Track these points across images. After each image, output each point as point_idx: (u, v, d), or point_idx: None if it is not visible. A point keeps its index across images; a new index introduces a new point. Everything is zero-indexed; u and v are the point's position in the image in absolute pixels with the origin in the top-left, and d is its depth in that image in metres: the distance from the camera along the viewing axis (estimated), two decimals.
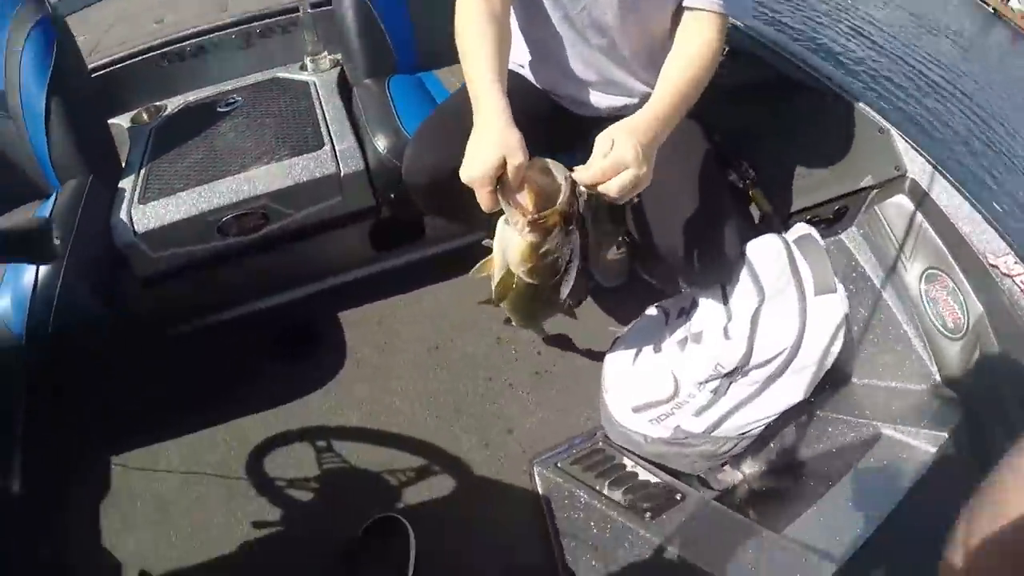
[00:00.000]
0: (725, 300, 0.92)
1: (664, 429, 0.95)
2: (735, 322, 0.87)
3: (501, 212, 0.68)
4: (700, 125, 0.97)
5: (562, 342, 1.29)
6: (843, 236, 1.19)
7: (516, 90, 0.77)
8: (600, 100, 1.00)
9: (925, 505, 0.82)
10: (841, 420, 1.03)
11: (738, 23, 1.33)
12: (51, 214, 1.10)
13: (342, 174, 1.21)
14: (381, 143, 1.18)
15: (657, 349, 1.01)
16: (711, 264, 0.90)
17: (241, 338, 1.35)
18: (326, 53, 1.51)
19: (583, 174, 0.66)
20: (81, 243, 1.09)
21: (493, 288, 0.78)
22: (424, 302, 1.42)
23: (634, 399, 0.98)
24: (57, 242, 0.86)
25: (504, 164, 0.65)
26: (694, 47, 0.80)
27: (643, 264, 1.34)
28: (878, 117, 1.14)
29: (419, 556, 0.97)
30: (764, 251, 0.91)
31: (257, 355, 1.33)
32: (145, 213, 1.16)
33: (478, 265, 0.79)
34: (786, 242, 0.91)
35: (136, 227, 1.16)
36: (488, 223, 0.73)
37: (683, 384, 0.92)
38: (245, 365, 1.32)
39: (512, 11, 0.90)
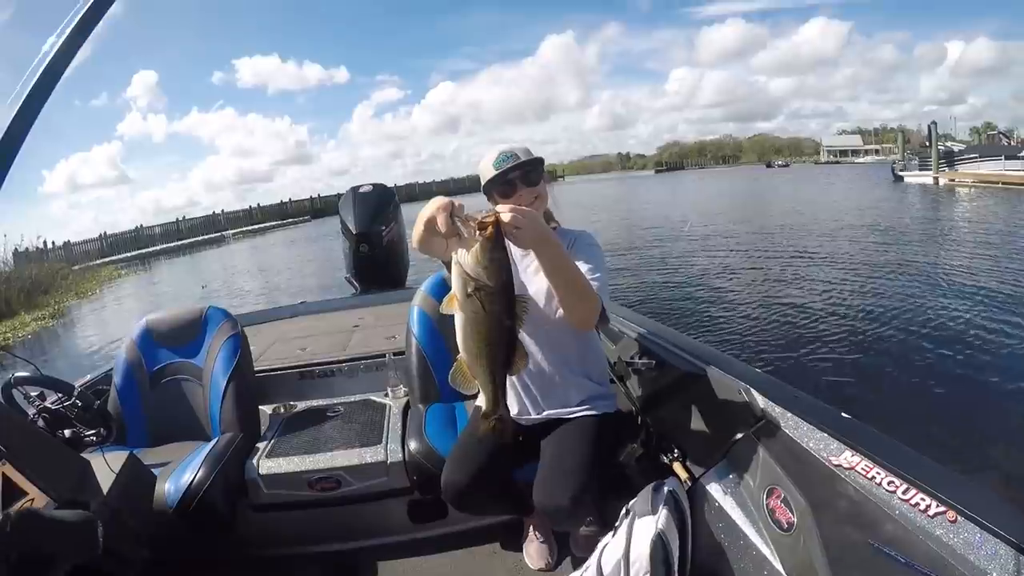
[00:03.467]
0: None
1: None
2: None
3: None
4: (597, 424, 1.59)
5: None
6: (713, 470, 1.52)
7: None
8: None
9: None
10: None
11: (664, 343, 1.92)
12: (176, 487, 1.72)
13: (388, 462, 1.95)
14: (412, 445, 1.92)
15: None
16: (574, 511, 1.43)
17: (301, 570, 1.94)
18: (402, 386, 2.34)
19: (503, 207, 1.08)
20: (224, 469, 1.80)
21: (457, 314, 1.06)
22: (445, 565, 1.92)
23: None
24: (101, 540, 1.05)
25: (450, 204, 1.03)
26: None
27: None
28: (740, 382, 1.51)
29: None
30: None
31: None
32: (267, 464, 1.95)
33: (443, 302, 1.08)
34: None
35: (260, 470, 1.93)
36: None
37: None
38: None
39: None
